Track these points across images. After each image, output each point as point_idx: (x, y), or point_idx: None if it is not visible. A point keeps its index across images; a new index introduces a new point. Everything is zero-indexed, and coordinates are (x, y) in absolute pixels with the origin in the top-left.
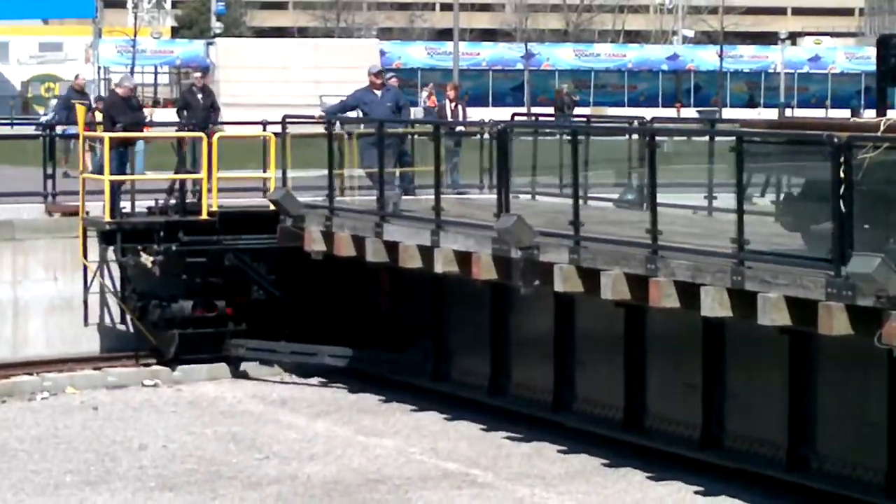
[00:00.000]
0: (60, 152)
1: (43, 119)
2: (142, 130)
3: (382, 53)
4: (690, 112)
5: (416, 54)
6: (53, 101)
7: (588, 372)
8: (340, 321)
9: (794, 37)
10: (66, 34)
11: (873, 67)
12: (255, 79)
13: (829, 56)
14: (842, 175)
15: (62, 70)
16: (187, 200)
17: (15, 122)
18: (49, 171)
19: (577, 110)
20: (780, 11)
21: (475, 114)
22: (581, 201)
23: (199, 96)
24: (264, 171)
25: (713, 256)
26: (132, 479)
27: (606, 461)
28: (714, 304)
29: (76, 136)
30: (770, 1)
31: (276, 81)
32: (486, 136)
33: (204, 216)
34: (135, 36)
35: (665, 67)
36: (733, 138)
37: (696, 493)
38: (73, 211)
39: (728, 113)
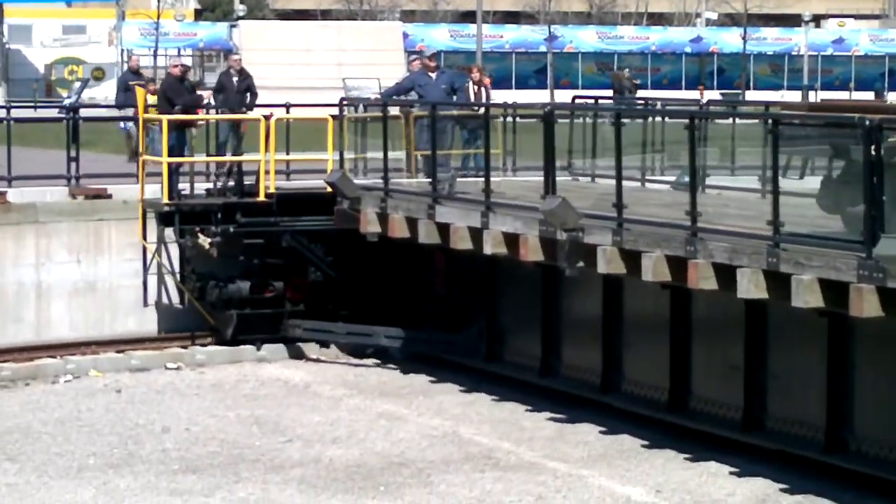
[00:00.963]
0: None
1: (66, 102)
2: (198, 112)
3: (405, 36)
4: (714, 95)
5: (439, 37)
6: (77, 84)
7: (635, 353)
8: (396, 302)
9: (817, 19)
10: (89, 17)
11: None
12: (278, 61)
13: (852, 38)
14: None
15: (85, 53)
16: (245, 182)
17: (38, 104)
18: (73, 153)
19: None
20: None
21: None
22: (639, 183)
23: (235, 79)
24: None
25: (750, 238)
26: (155, 462)
27: (646, 442)
28: (750, 286)
29: (132, 119)
30: None
31: (299, 64)
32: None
33: (261, 198)
34: (158, 18)
35: (688, 50)
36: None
37: (731, 473)
38: (97, 193)
39: (752, 95)
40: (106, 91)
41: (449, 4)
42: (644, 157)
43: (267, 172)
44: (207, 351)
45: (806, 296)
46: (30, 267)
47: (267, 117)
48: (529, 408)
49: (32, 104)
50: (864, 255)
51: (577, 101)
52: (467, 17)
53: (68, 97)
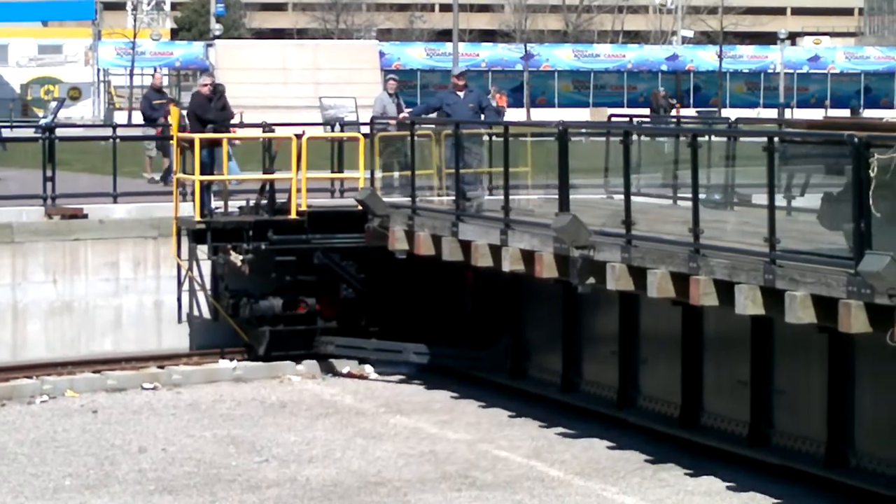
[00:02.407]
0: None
1: (42, 121)
2: (229, 130)
3: (382, 55)
4: (690, 113)
5: (415, 55)
6: (53, 104)
7: (650, 370)
8: (426, 319)
9: (793, 37)
10: (65, 36)
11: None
12: (254, 80)
13: (828, 56)
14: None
15: (62, 72)
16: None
17: (14, 124)
18: (49, 173)
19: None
20: (780, 11)
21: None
22: (670, 201)
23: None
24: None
25: (748, 255)
26: (131, 483)
27: (651, 457)
28: (747, 302)
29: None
30: (769, 1)
31: (276, 83)
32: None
33: (293, 216)
34: (134, 38)
35: (664, 68)
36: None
37: (728, 488)
38: (73, 213)
39: (727, 113)
40: (82, 111)
41: (425, 23)
42: (675, 174)
43: (298, 190)
44: (184, 371)
45: (799, 312)
46: (6, 287)
47: (299, 136)
48: (544, 424)
49: (8, 124)
50: (853, 271)
51: (613, 119)
52: (443, 35)
53: (44, 117)
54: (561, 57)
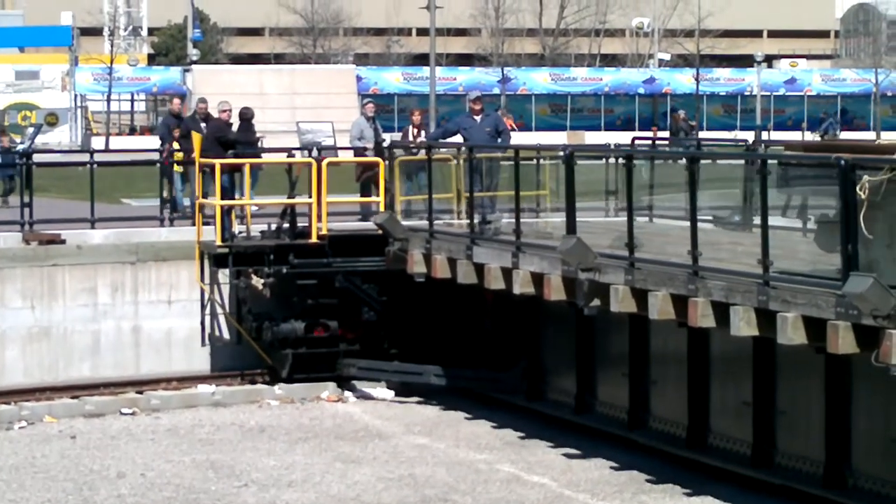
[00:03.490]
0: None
1: (20, 147)
2: (256, 155)
3: (359, 79)
4: (667, 135)
5: (392, 80)
6: (30, 129)
7: (660, 391)
8: (446, 341)
9: (769, 59)
10: (42, 62)
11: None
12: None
13: (805, 78)
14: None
15: (39, 98)
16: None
17: None
18: (26, 199)
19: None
20: (756, 34)
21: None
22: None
23: (203, 125)
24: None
25: (744, 277)
26: None
27: (653, 477)
28: (741, 324)
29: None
30: (746, 24)
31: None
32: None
33: (314, 239)
34: (111, 63)
35: (641, 91)
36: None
37: None
38: (51, 239)
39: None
40: (59, 136)
41: (402, 47)
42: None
43: (318, 214)
44: (162, 396)
45: (790, 333)
46: None
47: (318, 160)
48: (552, 444)
49: None
50: (840, 292)
51: (637, 141)
52: (420, 59)
53: (21, 142)
54: (538, 80)
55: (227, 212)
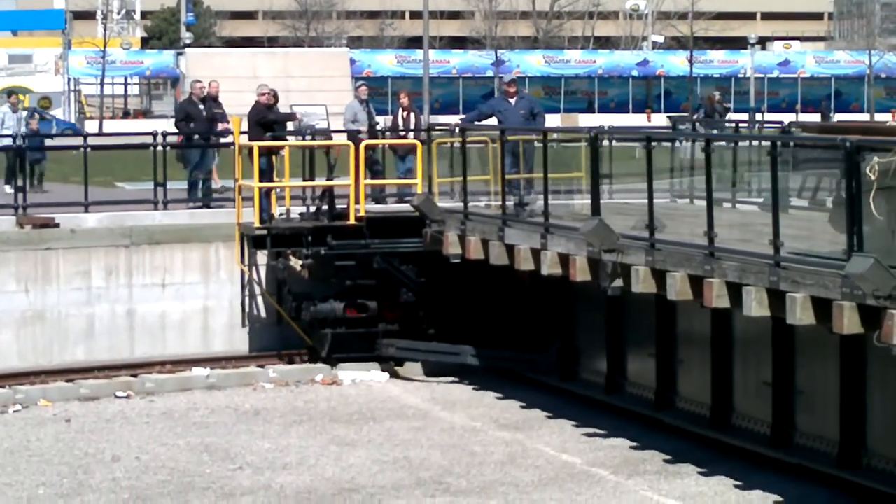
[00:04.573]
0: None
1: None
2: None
3: (352, 62)
4: (661, 118)
5: (386, 62)
6: (24, 113)
7: (686, 371)
8: (483, 321)
9: (763, 41)
10: (35, 46)
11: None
12: (225, 89)
13: (798, 60)
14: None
15: (32, 82)
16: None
17: None
18: (20, 182)
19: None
20: (750, 16)
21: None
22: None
23: (201, 107)
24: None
25: (756, 258)
26: (105, 492)
27: (668, 457)
28: (754, 304)
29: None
30: (739, 6)
31: (247, 91)
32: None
33: (351, 221)
34: (104, 47)
35: (635, 73)
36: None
37: (735, 486)
38: (44, 223)
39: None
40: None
41: (395, 30)
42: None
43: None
44: (157, 379)
45: (799, 313)
46: None
47: (356, 143)
48: (576, 423)
49: None
50: (843, 273)
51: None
52: (414, 42)
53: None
54: (532, 63)
55: (265, 193)
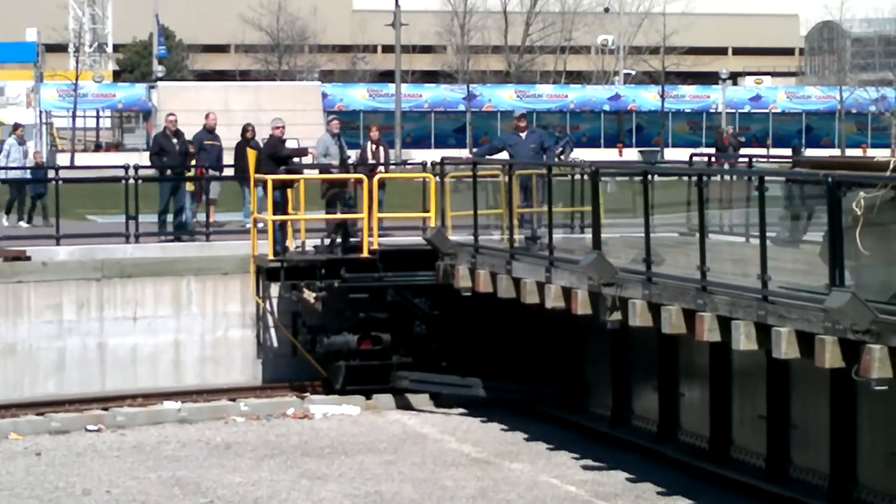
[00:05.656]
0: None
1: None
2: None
3: (324, 96)
4: (633, 152)
5: (358, 96)
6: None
7: (687, 404)
8: (494, 354)
9: (735, 76)
10: (6, 78)
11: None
12: (197, 122)
13: (770, 95)
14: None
15: (3, 114)
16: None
17: None
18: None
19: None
20: (721, 51)
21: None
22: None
23: (174, 140)
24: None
25: (744, 292)
26: None
27: (663, 489)
28: (742, 338)
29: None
30: (711, 41)
31: (219, 124)
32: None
33: (365, 254)
34: (76, 80)
35: (607, 108)
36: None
37: None
38: (16, 255)
39: (670, 153)
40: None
41: (367, 64)
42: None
43: (370, 229)
44: (127, 412)
45: (784, 347)
46: None
47: (370, 176)
48: (577, 455)
49: None
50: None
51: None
52: (386, 76)
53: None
54: (503, 97)
55: (279, 226)
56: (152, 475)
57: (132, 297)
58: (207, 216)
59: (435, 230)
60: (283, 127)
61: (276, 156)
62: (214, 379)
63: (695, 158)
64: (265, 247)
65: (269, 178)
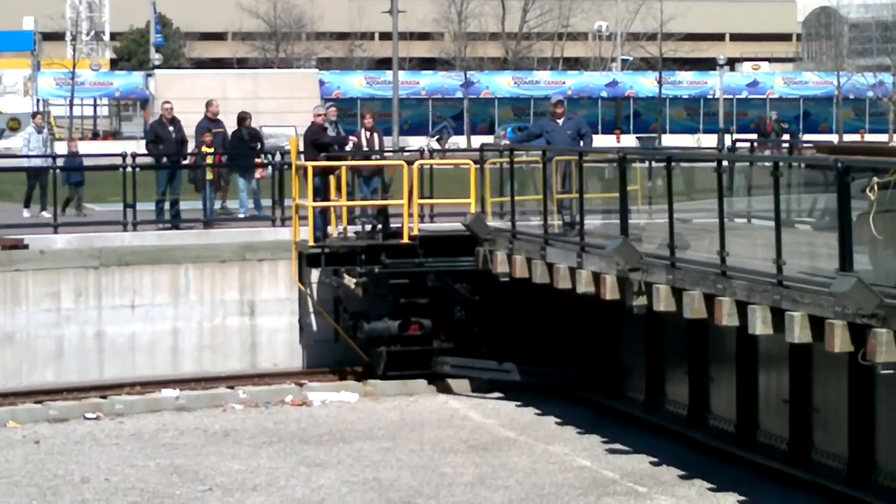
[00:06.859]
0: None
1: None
2: (345, 157)
3: (322, 83)
4: (630, 139)
5: (355, 84)
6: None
7: (717, 388)
8: (533, 339)
9: (732, 62)
10: (3, 67)
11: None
12: (194, 110)
13: (767, 81)
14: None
15: (1, 103)
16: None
17: None
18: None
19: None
20: (719, 37)
21: (416, 143)
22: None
23: (170, 128)
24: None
25: (760, 276)
26: None
27: (684, 472)
28: (759, 322)
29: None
30: (708, 27)
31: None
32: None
33: (405, 240)
34: (74, 68)
35: (604, 94)
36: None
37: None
38: (13, 244)
39: (668, 139)
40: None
41: (365, 52)
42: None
43: (410, 215)
44: (125, 400)
45: (797, 331)
46: None
47: (410, 163)
48: (606, 438)
49: None
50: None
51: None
52: (383, 63)
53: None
54: (501, 84)
55: (320, 212)
56: (151, 463)
57: (130, 285)
58: (220, 203)
59: (474, 216)
60: (325, 114)
61: (318, 142)
62: (212, 367)
63: (738, 144)
64: (305, 232)
65: (310, 164)
